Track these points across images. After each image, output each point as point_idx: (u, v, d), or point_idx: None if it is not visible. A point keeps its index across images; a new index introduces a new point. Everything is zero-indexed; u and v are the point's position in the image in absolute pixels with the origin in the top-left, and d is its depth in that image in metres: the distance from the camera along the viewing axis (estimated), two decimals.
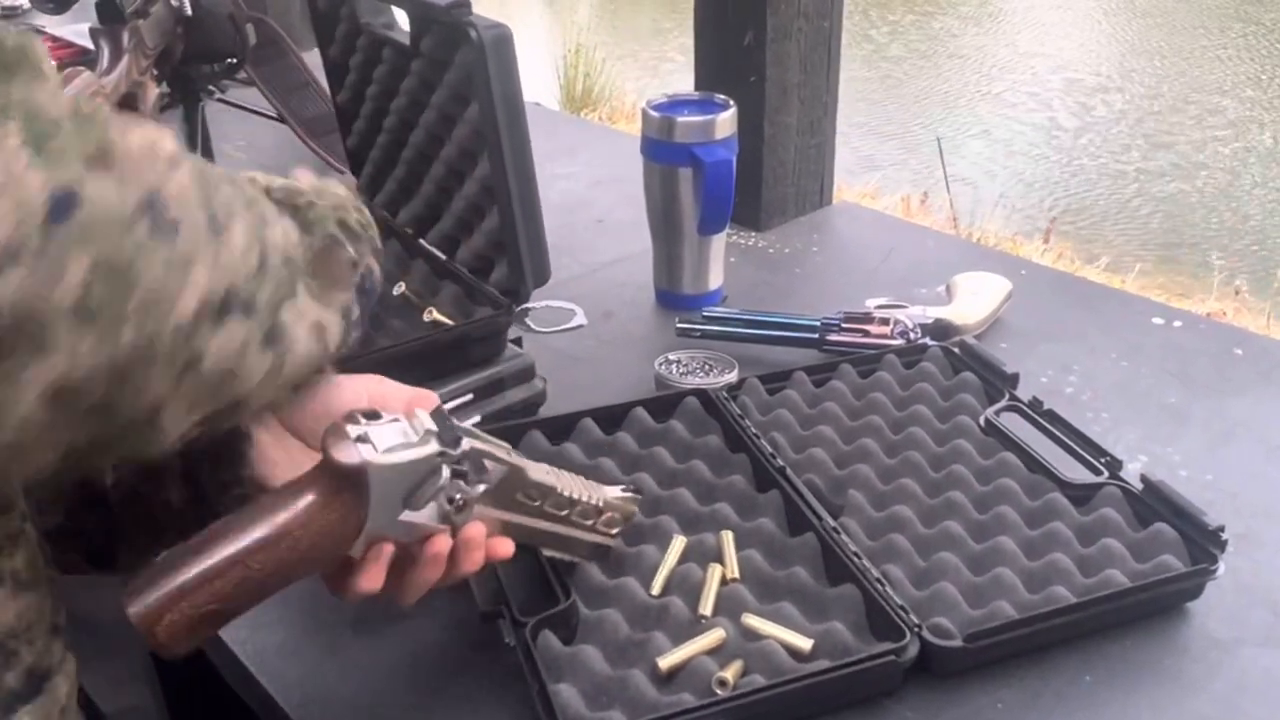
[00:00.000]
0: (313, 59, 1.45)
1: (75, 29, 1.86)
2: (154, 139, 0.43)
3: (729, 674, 0.65)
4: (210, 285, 0.43)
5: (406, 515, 0.57)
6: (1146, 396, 0.98)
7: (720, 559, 0.75)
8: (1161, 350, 1.05)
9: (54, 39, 1.87)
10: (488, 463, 0.61)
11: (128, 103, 1.21)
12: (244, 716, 0.76)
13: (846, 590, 0.71)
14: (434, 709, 0.69)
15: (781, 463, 0.82)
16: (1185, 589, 0.73)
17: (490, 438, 0.61)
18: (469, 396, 0.88)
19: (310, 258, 0.54)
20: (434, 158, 0.92)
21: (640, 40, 7.39)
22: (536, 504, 0.65)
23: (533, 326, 1.10)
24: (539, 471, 0.65)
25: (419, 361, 0.84)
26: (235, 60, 1.36)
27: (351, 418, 0.56)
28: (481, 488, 0.61)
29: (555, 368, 0.97)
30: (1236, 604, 0.74)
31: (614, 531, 0.72)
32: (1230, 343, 1.06)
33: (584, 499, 0.68)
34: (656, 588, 0.73)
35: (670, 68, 6.38)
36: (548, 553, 0.70)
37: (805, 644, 0.68)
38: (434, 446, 0.57)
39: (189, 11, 1.26)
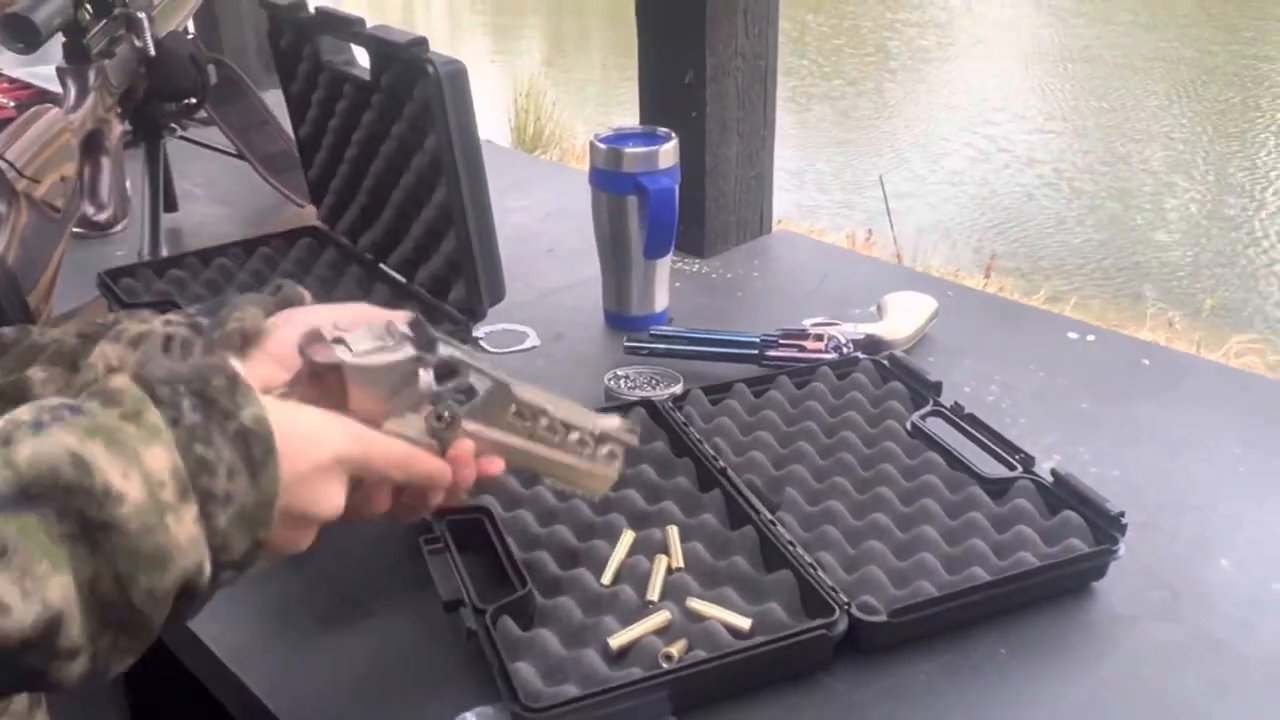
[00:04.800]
0: (271, 98, 1.51)
1: (33, 71, 1.90)
2: None
3: (674, 649, 0.70)
4: None
5: (392, 424, 0.57)
6: (1061, 403, 1.06)
7: (666, 550, 0.80)
8: (1076, 362, 1.13)
9: (11, 81, 1.92)
10: (473, 380, 0.61)
11: (93, 140, 1.26)
12: None
13: (782, 576, 0.77)
14: (400, 694, 0.74)
15: (723, 464, 0.88)
16: (1091, 569, 0.80)
17: (475, 353, 0.62)
18: None
19: None
20: (394, 185, 0.98)
21: (589, 82, 7.54)
22: (528, 424, 0.64)
23: (487, 348, 1.16)
24: (529, 391, 0.64)
25: None
26: (196, 100, 1.42)
27: (326, 328, 0.57)
28: (468, 405, 0.61)
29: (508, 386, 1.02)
30: (1138, 584, 0.81)
31: (614, 465, 0.70)
32: (1139, 354, 1.15)
33: (579, 424, 0.67)
34: (607, 577, 0.78)
35: (620, 110, 6.51)
36: (549, 481, 0.70)
37: (744, 623, 0.73)
38: (410, 350, 0.58)
39: (152, 52, 1.32)
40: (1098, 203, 5.53)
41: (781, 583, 0.76)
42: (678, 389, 1.03)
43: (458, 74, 0.83)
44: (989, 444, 0.91)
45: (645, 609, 0.75)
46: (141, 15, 1.31)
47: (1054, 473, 0.86)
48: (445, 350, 0.60)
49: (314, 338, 0.57)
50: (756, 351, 1.09)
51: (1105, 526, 0.80)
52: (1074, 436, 1.00)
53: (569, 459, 0.68)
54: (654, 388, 1.05)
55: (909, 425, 0.95)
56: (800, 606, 0.75)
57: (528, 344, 1.17)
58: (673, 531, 0.82)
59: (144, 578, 0.46)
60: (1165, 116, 6.65)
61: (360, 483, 0.58)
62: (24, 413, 0.47)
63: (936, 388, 0.98)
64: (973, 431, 0.93)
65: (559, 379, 1.11)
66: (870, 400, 0.99)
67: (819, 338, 1.10)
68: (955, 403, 0.96)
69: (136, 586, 0.46)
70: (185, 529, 0.47)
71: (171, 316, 0.68)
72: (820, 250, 1.51)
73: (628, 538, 0.81)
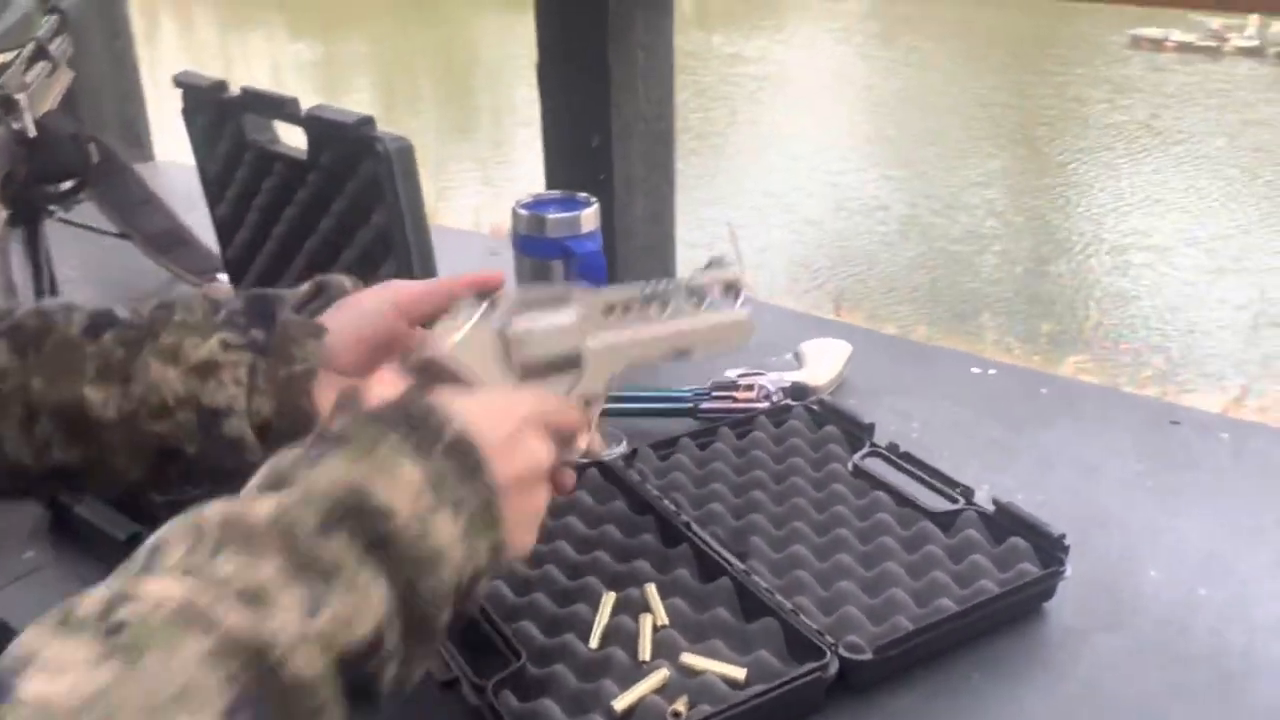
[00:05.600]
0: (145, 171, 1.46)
1: None
2: None
3: (679, 706, 0.72)
4: None
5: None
6: (977, 435, 1.12)
7: (648, 608, 0.82)
8: (983, 395, 1.20)
9: None
10: (559, 307, 0.69)
11: None
12: None
13: (765, 623, 0.79)
14: None
15: (686, 519, 0.90)
16: (1042, 590, 0.85)
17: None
18: None
19: None
20: (333, 261, 0.97)
21: (424, 146, 7.52)
22: (636, 314, 0.72)
23: None
24: (615, 293, 0.72)
25: None
26: (80, 180, 1.36)
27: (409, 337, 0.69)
28: (570, 317, 0.69)
29: None
30: (1083, 599, 0.87)
31: (738, 306, 0.75)
32: (1036, 384, 1.23)
33: (669, 285, 0.73)
34: (595, 641, 0.79)
35: (457, 169, 6.53)
36: (697, 354, 0.75)
37: (739, 674, 0.75)
38: (497, 313, 0.68)
39: (32, 133, 1.26)
40: (935, 240, 5.85)
41: (766, 630, 0.79)
42: (623, 447, 1.05)
43: (406, 150, 0.83)
44: (928, 479, 0.97)
45: (640, 669, 0.76)
46: (18, 96, 1.26)
47: (995, 502, 0.92)
48: (517, 297, 0.69)
49: (415, 344, 0.68)
50: (690, 405, 1.12)
51: (1050, 549, 0.86)
52: (995, 465, 1.07)
53: (699, 322, 0.74)
54: None
55: (850, 466, 0.99)
56: (787, 652, 0.78)
57: None
58: (651, 589, 0.83)
59: (425, 581, 0.51)
60: (992, 158, 7.12)
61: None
62: (286, 458, 0.53)
63: (870, 429, 1.03)
64: (911, 469, 0.98)
65: None
66: (809, 445, 1.03)
67: (748, 388, 1.13)
68: (891, 442, 1.01)
69: (419, 595, 0.51)
70: (446, 530, 0.53)
71: (226, 337, 0.67)
72: None
73: (609, 599, 0.82)
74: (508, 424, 0.60)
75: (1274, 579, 0.89)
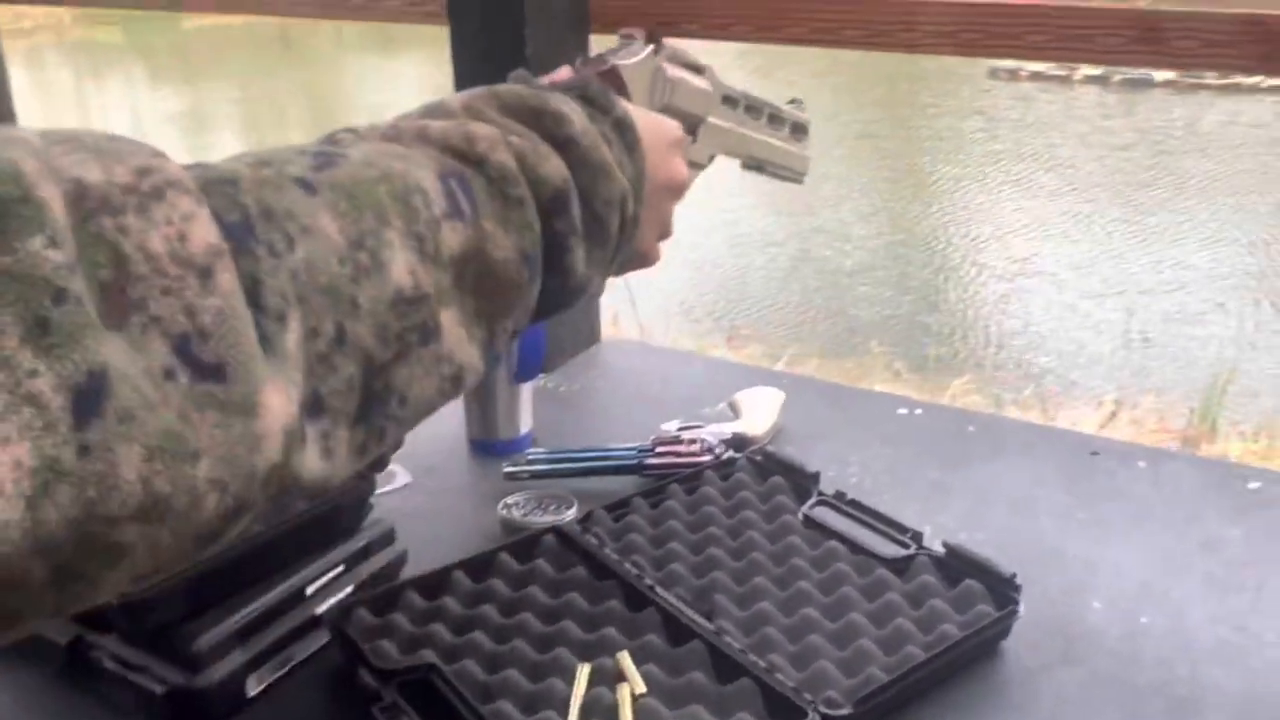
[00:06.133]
0: None
1: None
2: (180, 231, 0.36)
3: None
4: (285, 413, 0.38)
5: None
6: (913, 476, 1.16)
7: (624, 678, 0.81)
8: (913, 435, 1.24)
9: None
10: (699, 75, 0.82)
11: None
12: None
13: (743, 684, 0.79)
14: None
15: (650, 581, 0.90)
16: (999, 630, 0.88)
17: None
18: (340, 568, 0.89)
19: (470, 272, 0.50)
20: None
21: None
22: (739, 111, 0.86)
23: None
24: (726, 86, 0.84)
25: (294, 539, 0.85)
26: None
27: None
28: (708, 86, 0.82)
29: (398, 528, 1.00)
30: (1035, 637, 0.90)
31: (805, 145, 0.93)
32: (963, 422, 1.27)
33: (764, 102, 0.88)
34: (574, 716, 0.78)
35: None
36: (771, 168, 0.92)
37: None
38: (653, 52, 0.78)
39: None
40: (825, 273, 6.01)
41: (744, 692, 0.79)
42: (573, 510, 1.05)
43: None
44: (877, 526, 0.99)
45: None
46: None
47: (945, 545, 0.94)
48: (676, 51, 0.80)
49: (588, 60, 0.76)
50: (635, 462, 1.13)
51: (1003, 589, 0.89)
52: (934, 506, 1.10)
53: (780, 143, 0.90)
54: (547, 511, 1.06)
55: (801, 517, 1.01)
56: (766, 712, 0.78)
57: (399, 482, 1.14)
58: (625, 658, 0.83)
59: (601, 186, 0.57)
60: (878, 190, 7.36)
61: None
62: (455, 100, 0.57)
63: (815, 478, 1.06)
64: (860, 516, 1.00)
65: (445, 512, 1.09)
66: (758, 497, 1.05)
67: (691, 441, 1.14)
68: (838, 490, 1.03)
69: (597, 195, 0.57)
70: (613, 154, 0.59)
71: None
72: (650, 352, 1.57)
73: (583, 671, 0.81)
74: (664, 138, 0.67)
75: (1207, 603, 0.94)
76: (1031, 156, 7.95)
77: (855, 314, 5.47)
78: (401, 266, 0.45)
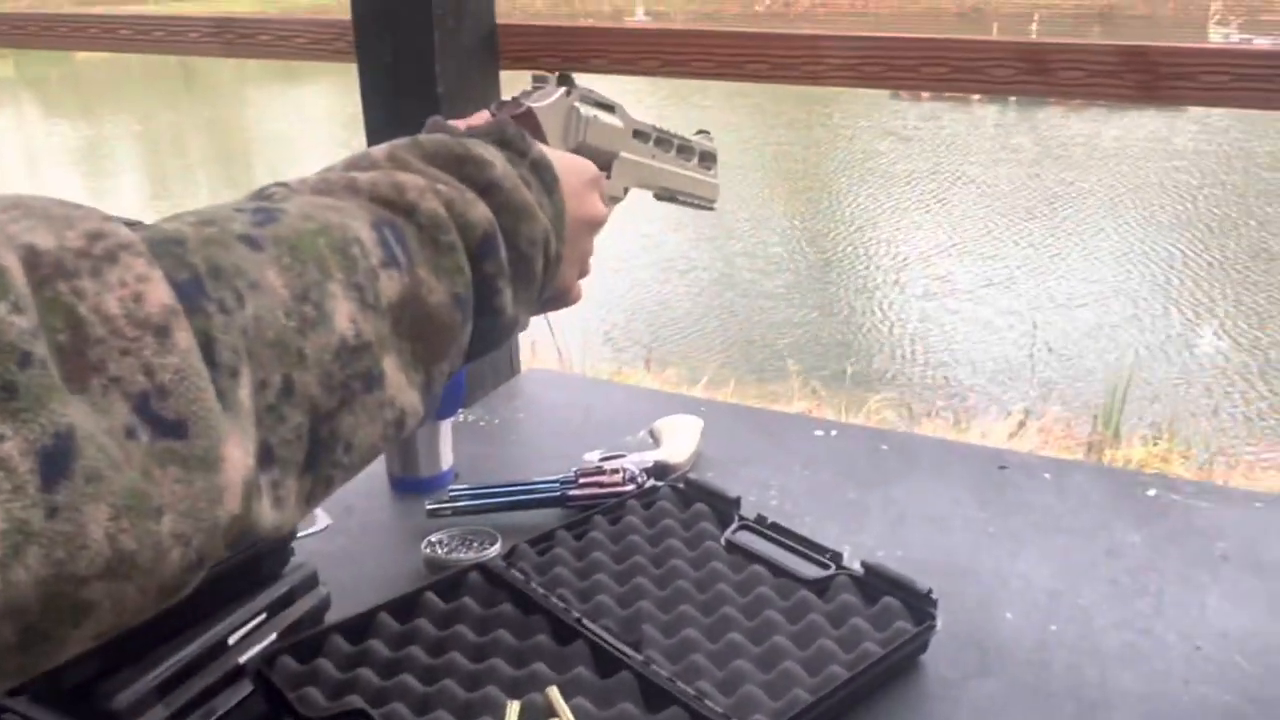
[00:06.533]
0: None
1: None
2: (135, 292, 0.37)
3: None
4: (244, 465, 0.39)
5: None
6: (832, 497, 1.18)
7: (554, 713, 0.81)
8: (830, 456, 1.27)
9: None
10: (611, 113, 0.84)
11: None
12: None
13: (673, 712, 0.80)
14: None
15: (577, 614, 0.91)
16: (918, 646, 0.90)
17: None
18: (263, 615, 0.88)
19: (407, 318, 0.51)
20: None
21: None
22: (650, 145, 0.88)
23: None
24: (636, 120, 0.87)
25: (214, 588, 0.83)
26: None
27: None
28: (619, 123, 0.85)
29: (320, 572, 0.99)
30: (952, 650, 0.93)
31: (715, 173, 0.97)
32: (877, 441, 1.31)
33: (673, 135, 0.91)
34: None
35: None
36: (683, 198, 0.94)
37: None
38: (568, 94, 0.80)
39: None
40: (745, 295, 6.09)
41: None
42: (497, 546, 1.05)
43: None
44: (798, 548, 1.01)
45: None
46: None
47: (863, 564, 0.97)
48: (588, 91, 0.82)
49: (503, 104, 0.76)
50: (558, 494, 1.13)
51: (920, 605, 0.92)
52: (853, 526, 1.12)
53: (692, 173, 0.94)
54: (471, 548, 1.06)
55: (724, 542, 1.03)
56: None
57: (320, 525, 1.13)
58: (554, 693, 0.83)
59: (524, 227, 0.59)
60: (797, 213, 7.48)
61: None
62: (379, 151, 0.58)
63: (736, 503, 1.07)
64: (780, 539, 1.02)
65: (367, 553, 1.08)
66: (681, 525, 1.06)
67: (614, 471, 1.15)
68: (758, 514, 1.05)
69: (520, 236, 0.58)
70: (533, 195, 0.60)
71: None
72: (570, 382, 1.58)
73: (513, 708, 0.81)
74: (580, 177, 0.69)
75: (1113, 609, 0.98)
76: (945, 175, 8.19)
77: (775, 335, 5.56)
78: (344, 316, 0.46)
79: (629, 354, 5.20)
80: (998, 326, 5.58)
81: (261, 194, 0.52)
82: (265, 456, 0.42)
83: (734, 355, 5.29)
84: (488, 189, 0.57)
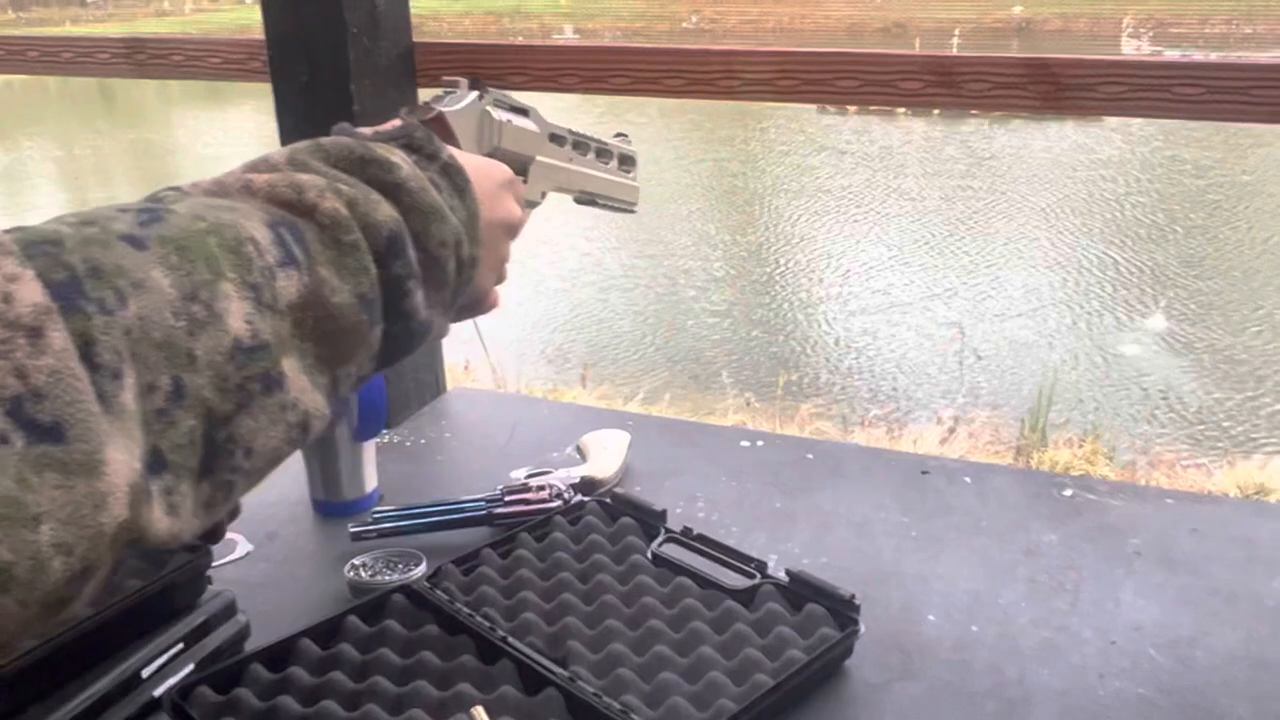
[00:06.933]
0: None
1: None
2: (4, 293, 0.37)
3: None
4: (129, 470, 0.38)
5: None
6: (759, 506, 1.19)
7: None
8: (756, 467, 1.28)
9: None
10: (525, 118, 0.83)
11: None
12: None
13: None
14: None
15: (502, 633, 0.90)
16: (842, 651, 0.91)
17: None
18: (179, 646, 0.86)
19: (309, 319, 0.50)
20: None
21: None
22: (567, 149, 0.88)
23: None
24: (553, 125, 0.86)
25: (126, 620, 0.82)
26: None
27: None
28: (534, 127, 0.84)
29: (240, 600, 0.97)
30: (876, 654, 0.94)
31: (634, 176, 0.97)
32: (802, 450, 1.32)
33: (591, 138, 0.91)
34: None
35: None
36: (603, 201, 0.94)
37: None
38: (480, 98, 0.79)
39: None
40: (680, 311, 6.12)
41: None
42: (422, 567, 1.04)
43: None
44: (723, 558, 1.02)
45: None
46: None
47: (788, 572, 0.98)
48: (501, 95, 0.82)
49: (414, 109, 0.75)
50: (485, 513, 1.13)
51: (844, 611, 0.93)
52: (779, 535, 1.13)
53: (611, 176, 0.93)
54: (396, 570, 1.04)
55: (650, 555, 1.03)
56: None
57: (240, 552, 1.11)
58: (480, 712, 0.82)
59: (434, 228, 0.58)
60: (738, 229, 7.55)
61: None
62: (279, 154, 0.57)
63: (663, 516, 1.08)
64: (706, 550, 1.03)
65: (289, 579, 1.07)
66: (608, 539, 1.06)
67: (540, 488, 1.15)
68: (684, 526, 1.06)
69: (430, 237, 0.57)
70: (443, 198, 0.59)
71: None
72: (498, 400, 1.57)
73: None
74: (493, 179, 0.69)
75: (1032, 608, 1.00)
76: (880, 187, 8.33)
77: (714, 351, 5.59)
78: (238, 316, 0.45)
79: (567, 373, 5.20)
80: (934, 336, 5.68)
81: (153, 197, 0.51)
82: (155, 461, 0.41)
83: (673, 371, 5.32)
84: (394, 191, 0.57)
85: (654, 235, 7.35)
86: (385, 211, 0.55)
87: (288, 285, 0.49)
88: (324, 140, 0.59)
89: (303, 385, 0.49)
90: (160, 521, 0.41)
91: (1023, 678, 0.91)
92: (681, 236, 7.35)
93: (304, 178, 0.53)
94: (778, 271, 6.82)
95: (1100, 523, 1.14)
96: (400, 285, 0.56)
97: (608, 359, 5.50)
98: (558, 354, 5.52)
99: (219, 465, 0.44)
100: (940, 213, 7.90)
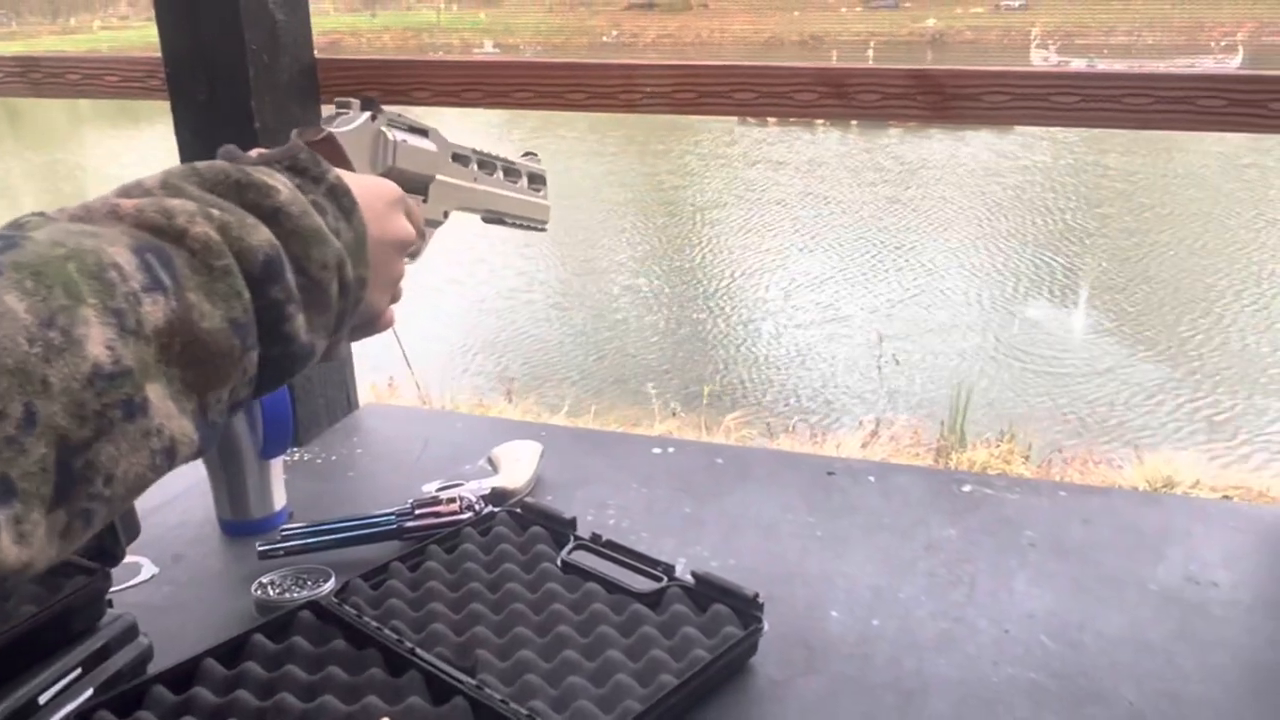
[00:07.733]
0: None
1: None
2: None
3: None
4: None
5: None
6: (669, 512, 1.21)
7: None
8: (667, 473, 1.30)
9: None
10: (423, 138, 0.83)
11: None
12: None
13: None
14: None
15: (409, 645, 0.91)
16: (746, 649, 0.93)
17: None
18: (77, 671, 0.85)
19: (176, 344, 0.49)
20: None
21: None
22: (471, 168, 0.88)
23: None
24: (455, 144, 0.86)
25: (19, 646, 0.80)
26: None
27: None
28: (432, 147, 0.83)
29: (144, 623, 0.96)
30: (780, 650, 0.96)
31: (544, 194, 0.98)
32: (712, 456, 1.34)
33: (497, 158, 0.92)
34: None
35: None
36: (511, 219, 0.95)
37: None
38: (373, 119, 0.79)
39: None
40: (612, 330, 6.14)
41: None
42: (331, 583, 1.04)
43: None
44: (632, 563, 1.03)
45: None
46: None
47: (694, 574, 0.99)
48: (397, 116, 0.81)
49: (304, 130, 0.74)
50: (394, 527, 1.13)
51: (748, 610, 0.95)
52: (689, 539, 1.15)
53: (519, 194, 0.94)
54: (304, 587, 1.04)
55: (559, 563, 1.04)
56: None
57: (144, 575, 1.10)
58: None
59: (315, 251, 0.57)
60: (676, 243, 7.60)
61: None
62: (152, 179, 0.56)
63: (572, 524, 1.09)
64: (615, 555, 1.04)
65: (196, 600, 1.06)
66: (518, 548, 1.07)
67: (450, 500, 1.15)
68: (593, 533, 1.07)
69: (311, 261, 0.57)
70: (328, 220, 0.59)
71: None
72: (410, 416, 1.57)
73: None
74: (382, 199, 0.69)
75: (930, 601, 1.03)
76: (822, 196, 8.45)
77: (642, 363, 5.62)
78: (98, 342, 0.45)
79: (492, 387, 5.18)
80: (848, 339, 5.78)
81: (14, 224, 0.51)
82: (4, 490, 0.41)
83: (603, 384, 5.33)
84: (273, 215, 0.56)
85: (594, 254, 7.37)
86: (261, 235, 0.55)
87: (153, 310, 0.48)
88: (200, 165, 0.59)
89: (169, 411, 0.49)
90: (8, 550, 0.40)
91: (920, 669, 0.94)
92: (620, 253, 7.37)
93: (174, 203, 0.53)
94: (719, 290, 6.89)
95: (998, 516, 1.18)
96: (278, 309, 0.56)
97: (538, 375, 5.50)
98: (488, 370, 5.50)
99: (76, 493, 0.44)
100: (873, 221, 8.05)
